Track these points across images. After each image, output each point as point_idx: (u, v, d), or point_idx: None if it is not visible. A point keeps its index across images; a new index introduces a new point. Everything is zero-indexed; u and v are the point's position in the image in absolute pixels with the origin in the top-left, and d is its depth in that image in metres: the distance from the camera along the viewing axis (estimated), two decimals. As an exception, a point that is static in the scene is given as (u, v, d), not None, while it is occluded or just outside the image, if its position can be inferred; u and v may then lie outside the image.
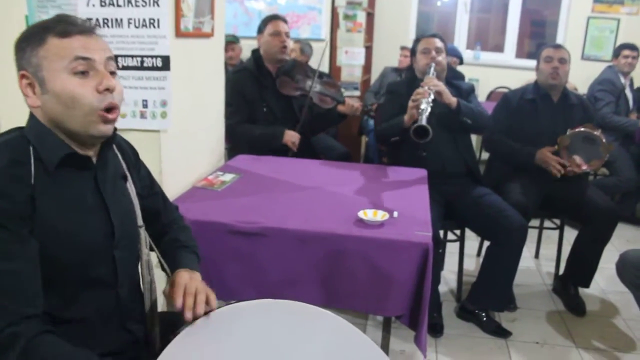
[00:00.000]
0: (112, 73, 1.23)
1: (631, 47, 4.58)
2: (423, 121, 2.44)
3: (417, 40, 3.03)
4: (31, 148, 1.17)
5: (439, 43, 2.94)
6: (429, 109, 2.53)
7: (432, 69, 2.84)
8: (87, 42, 1.19)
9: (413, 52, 3.03)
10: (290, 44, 3.26)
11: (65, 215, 1.19)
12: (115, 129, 1.30)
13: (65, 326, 1.19)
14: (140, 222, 1.39)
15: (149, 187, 1.52)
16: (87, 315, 1.24)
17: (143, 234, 1.39)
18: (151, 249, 1.45)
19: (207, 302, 1.29)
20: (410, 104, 2.63)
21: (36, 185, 1.14)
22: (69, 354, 1.10)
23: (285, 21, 3.22)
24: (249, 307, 1.31)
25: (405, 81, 3.11)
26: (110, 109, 1.21)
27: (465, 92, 2.97)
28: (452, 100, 2.73)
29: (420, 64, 2.94)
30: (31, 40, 1.17)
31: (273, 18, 3.21)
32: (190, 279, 1.33)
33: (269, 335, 1.28)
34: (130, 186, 1.39)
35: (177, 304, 1.26)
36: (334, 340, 1.31)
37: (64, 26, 1.18)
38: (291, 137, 3.07)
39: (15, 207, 1.10)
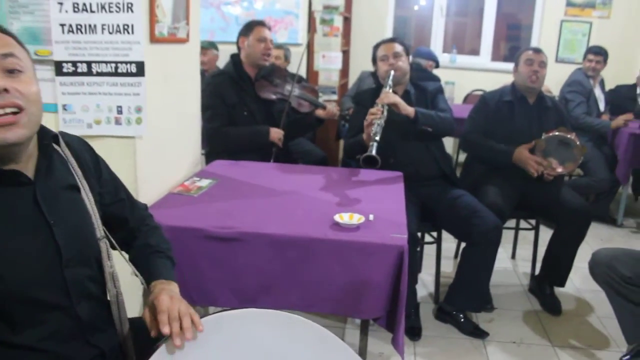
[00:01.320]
0: (12, 71, 1.12)
1: (596, 51, 4.68)
2: (373, 151, 2.45)
3: (376, 47, 3.05)
4: None
5: (397, 47, 2.95)
6: (380, 132, 2.56)
7: (390, 77, 2.86)
8: None
9: (374, 59, 3.05)
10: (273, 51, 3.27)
11: (1, 238, 1.11)
12: (56, 135, 1.25)
13: (18, 351, 1.15)
14: (99, 233, 1.30)
15: (113, 194, 1.44)
16: (44, 338, 1.18)
17: (104, 246, 1.30)
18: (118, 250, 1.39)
19: (193, 323, 1.22)
20: (365, 123, 2.65)
21: None
22: None
23: (269, 28, 3.26)
24: (234, 316, 1.30)
25: (371, 90, 3.11)
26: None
27: (431, 93, 3.00)
28: (409, 110, 2.76)
29: (380, 71, 2.97)
30: None
31: (259, 24, 3.24)
32: (171, 301, 1.25)
33: (254, 345, 1.28)
34: (86, 196, 1.30)
35: (164, 332, 1.18)
36: (317, 350, 1.31)
37: None
38: (277, 133, 3.11)
39: None
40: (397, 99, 2.74)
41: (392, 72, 2.87)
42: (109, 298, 1.33)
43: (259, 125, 3.12)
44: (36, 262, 1.16)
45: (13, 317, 1.14)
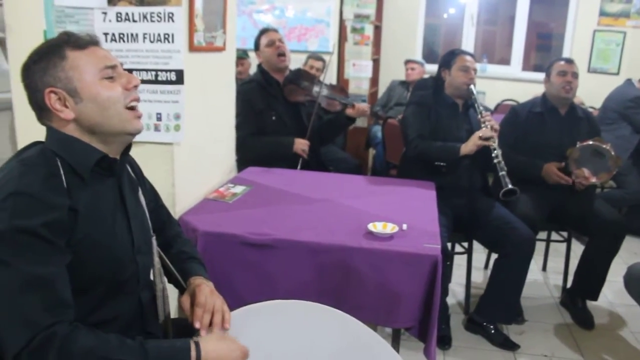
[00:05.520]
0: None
1: None
2: (509, 184, 2.61)
3: (453, 55, 2.97)
4: (58, 160, 1.21)
5: (475, 64, 2.93)
6: (501, 158, 2.68)
7: (474, 92, 2.86)
8: (104, 52, 1.29)
9: (447, 64, 2.95)
10: (290, 57, 3.31)
11: (99, 224, 1.24)
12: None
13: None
14: (151, 230, 1.45)
15: (154, 201, 1.58)
16: (112, 319, 1.28)
17: (154, 242, 1.44)
18: (160, 258, 1.49)
19: (223, 321, 1.34)
20: (478, 141, 2.69)
21: (71, 195, 1.18)
22: (102, 341, 1.12)
23: (275, 30, 3.32)
24: (261, 308, 1.37)
25: (431, 93, 3.01)
26: (134, 107, 1.29)
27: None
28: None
29: (456, 81, 2.89)
30: (49, 58, 1.22)
31: (264, 31, 3.31)
32: (210, 293, 1.39)
33: (282, 335, 1.32)
34: (141, 196, 1.45)
35: (196, 327, 1.31)
36: (346, 337, 1.34)
37: (76, 39, 1.25)
38: (301, 144, 3.12)
39: (58, 219, 1.13)
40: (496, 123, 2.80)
41: (473, 88, 2.87)
42: (156, 292, 1.43)
43: (284, 137, 3.15)
44: (122, 247, 1.30)
45: (93, 298, 1.25)
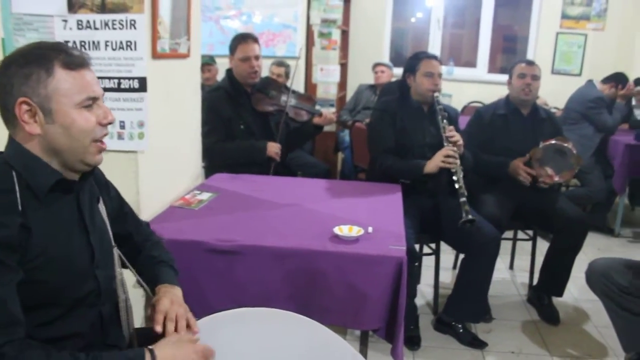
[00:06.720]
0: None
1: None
2: (469, 214, 2.59)
3: (417, 59, 2.95)
4: (14, 174, 1.18)
5: (440, 68, 2.91)
6: (462, 183, 2.68)
7: (438, 99, 2.86)
8: (92, 78, 1.25)
9: (411, 69, 2.93)
10: (262, 66, 3.21)
11: (54, 240, 1.21)
12: None
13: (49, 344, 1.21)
14: (112, 242, 1.42)
15: (119, 209, 1.54)
16: (72, 334, 1.26)
17: (116, 253, 1.42)
18: (124, 266, 1.48)
19: (188, 326, 1.34)
20: (440, 164, 2.72)
21: (25, 212, 1.15)
22: (53, 359, 1.11)
23: (255, 40, 3.18)
24: (227, 316, 1.37)
25: (397, 98, 3.02)
26: (102, 141, 1.28)
27: (453, 118, 3.01)
28: (462, 150, 2.79)
29: (421, 87, 2.88)
30: (35, 68, 1.18)
31: (243, 39, 3.17)
32: (171, 304, 1.37)
33: (248, 343, 1.33)
34: (102, 207, 1.42)
35: (157, 331, 1.31)
36: (311, 343, 1.36)
37: (68, 57, 1.21)
38: (274, 147, 3.11)
39: (7, 237, 1.11)
40: (459, 137, 2.80)
41: (438, 95, 2.87)
42: (119, 304, 1.41)
43: (256, 141, 3.13)
44: (79, 262, 1.28)
45: (50, 314, 1.23)
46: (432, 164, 2.75)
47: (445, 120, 2.82)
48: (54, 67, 1.19)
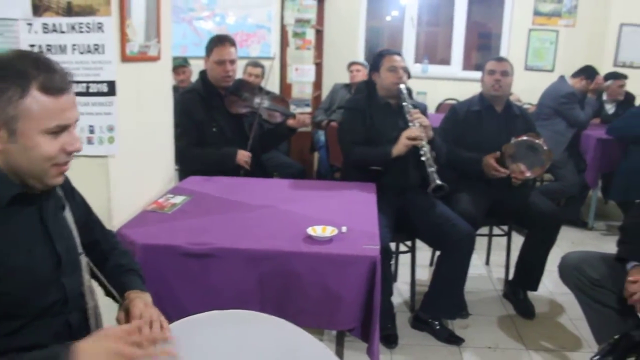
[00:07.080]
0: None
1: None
2: (437, 179, 2.60)
3: (380, 56, 2.96)
4: None
5: (403, 62, 2.93)
6: (431, 157, 2.67)
7: (404, 92, 2.86)
8: (69, 104, 1.21)
9: (376, 67, 2.95)
10: (236, 70, 3.16)
11: (14, 252, 1.20)
12: None
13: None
14: (79, 249, 1.41)
15: (86, 215, 1.53)
16: (35, 344, 1.24)
17: (83, 260, 1.41)
18: (94, 276, 1.47)
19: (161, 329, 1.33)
20: (407, 142, 2.70)
21: None
22: None
23: (232, 44, 3.13)
24: (201, 319, 1.37)
25: (364, 97, 3.03)
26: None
27: (421, 112, 3.01)
28: (430, 134, 2.79)
29: (386, 82, 2.89)
30: (9, 85, 1.14)
31: (220, 42, 3.11)
32: (144, 307, 1.38)
33: (223, 346, 1.33)
34: (68, 214, 1.40)
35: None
36: (286, 345, 1.36)
37: (48, 80, 1.16)
38: (244, 156, 3.06)
39: None
40: (426, 120, 2.79)
41: (403, 88, 2.86)
42: (87, 311, 1.40)
43: (227, 148, 3.08)
44: (43, 272, 1.26)
45: (14, 324, 1.21)
46: (399, 145, 2.74)
47: (410, 106, 2.84)
48: (30, 88, 1.14)
